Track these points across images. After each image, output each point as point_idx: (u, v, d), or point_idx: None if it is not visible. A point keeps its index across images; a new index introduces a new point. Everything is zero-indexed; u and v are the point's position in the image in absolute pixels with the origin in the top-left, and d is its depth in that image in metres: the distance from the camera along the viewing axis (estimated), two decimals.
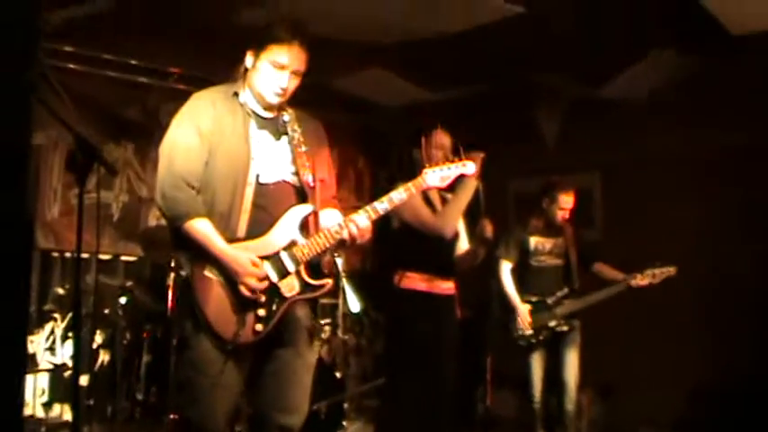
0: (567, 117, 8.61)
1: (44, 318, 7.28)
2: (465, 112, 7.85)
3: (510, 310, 6.67)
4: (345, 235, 3.71)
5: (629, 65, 7.46)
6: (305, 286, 3.71)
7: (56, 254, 7.57)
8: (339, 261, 5.88)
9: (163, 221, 4.39)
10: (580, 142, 8.45)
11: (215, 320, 3.58)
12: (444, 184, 4.08)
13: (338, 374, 6.75)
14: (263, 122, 3.86)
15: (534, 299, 6.61)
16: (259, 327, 3.62)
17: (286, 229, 3.71)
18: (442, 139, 5.19)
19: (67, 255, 7.47)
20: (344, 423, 6.70)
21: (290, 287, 3.67)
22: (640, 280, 6.42)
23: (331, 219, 3.84)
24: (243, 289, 3.57)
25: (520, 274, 6.77)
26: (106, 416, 6.87)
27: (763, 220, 7.24)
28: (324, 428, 6.37)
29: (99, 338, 7.19)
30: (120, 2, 6.28)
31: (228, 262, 3.57)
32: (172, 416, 6.18)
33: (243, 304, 3.60)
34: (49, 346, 7.22)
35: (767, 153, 7.26)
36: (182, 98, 3.86)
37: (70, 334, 7.06)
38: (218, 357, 3.60)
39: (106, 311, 7.16)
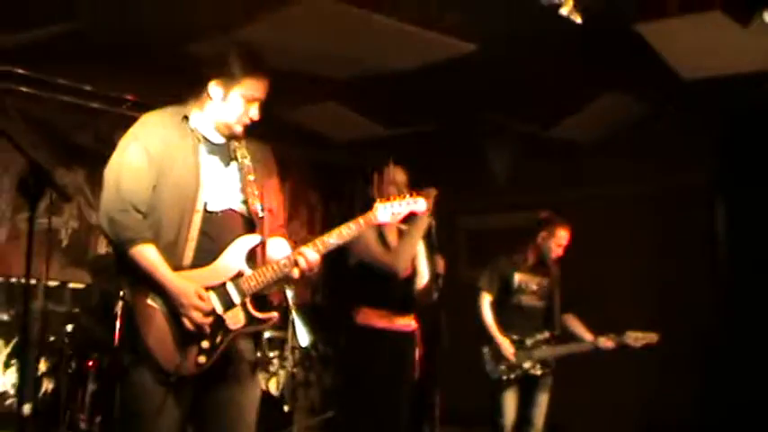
0: (518, 156, 8.67)
1: None
2: (418, 148, 7.88)
3: (484, 342, 6.55)
4: (295, 270, 3.64)
5: (579, 107, 7.55)
6: (250, 319, 3.61)
7: (1, 279, 7.45)
8: (290, 294, 5.88)
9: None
10: (531, 181, 8.51)
11: (156, 351, 3.47)
12: (395, 220, 4.01)
13: (286, 408, 6.69)
14: (213, 148, 3.76)
15: (514, 337, 6.51)
16: (202, 359, 3.51)
17: (233, 259, 3.61)
18: (396, 174, 5.21)
19: (13, 280, 7.35)
20: None
21: (235, 320, 3.57)
22: (610, 342, 6.42)
23: (278, 248, 3.76)
24: (187, 322, 3.46)
25: (499, 311, 6.62)
26: None
27: (710, 260, 7.32)
28: None
29: (43, 366, 7.09)
30: (77, 28, 6.24)
31: (174, 292, 3.47)
32: None
33: (186, 335, 3.49)
34: None
35: (717, 194, 7.36)
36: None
37: (13, 361, 6.96)
38: (158, 390, 3.49)
39: (52, 339, 7.07)
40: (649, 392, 7.45)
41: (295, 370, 7.68)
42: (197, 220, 3.60)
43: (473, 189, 8.78)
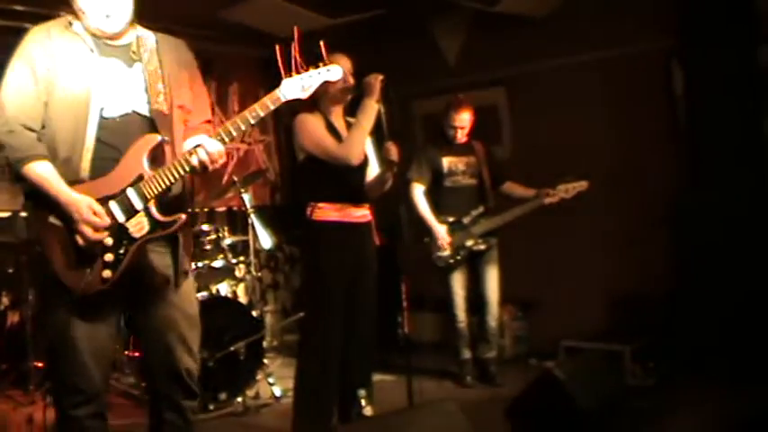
0: (468, 34, 8.49)
1: None
2: (365, 35, 7.69)
3: (426, 233, 6.66)
4: (195, 162, 3.47)
5: None
6: (155, 224, 3.47)
7: None
8: (246, 197, 5.75)
9: None
10: (483, 59, 8.35)
11: (61, 269, 3.38)
12: (307, 93, 3.74)
13: (254, 313, 6.60)
14: (111, 50, 3.58)
15: (450, 219, 6.62)
16: (107, 273, 3.40)
17: (132, 163, 3.46)
18: (340, 62, 5.07)
19: None
20: (265, 361, 6.60)
21: (139, 227, 3.44)
22: (553, 197, 6.45)
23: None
24: (79, 238, 3.36)
25: (434, 196, 6.81)
26: (20, 378, 6.70)
27: (669, 125, 7.22)
28: (244, 369, 6.28)
29: (6, 299, 6.98)
30: None
31: (66, 207, 3.35)
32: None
33: (87, 250, 3.38)
34: None
35: (674, 57, 7.20)
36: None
37: None
38: (67, 309, 3.43)
39: (10, 271, 6.93)
40: (614, 261, 7.42)
41: (261, 273, 7.61)
42: (92, 129, 3.45)
43: (425, 72, 8.62)
